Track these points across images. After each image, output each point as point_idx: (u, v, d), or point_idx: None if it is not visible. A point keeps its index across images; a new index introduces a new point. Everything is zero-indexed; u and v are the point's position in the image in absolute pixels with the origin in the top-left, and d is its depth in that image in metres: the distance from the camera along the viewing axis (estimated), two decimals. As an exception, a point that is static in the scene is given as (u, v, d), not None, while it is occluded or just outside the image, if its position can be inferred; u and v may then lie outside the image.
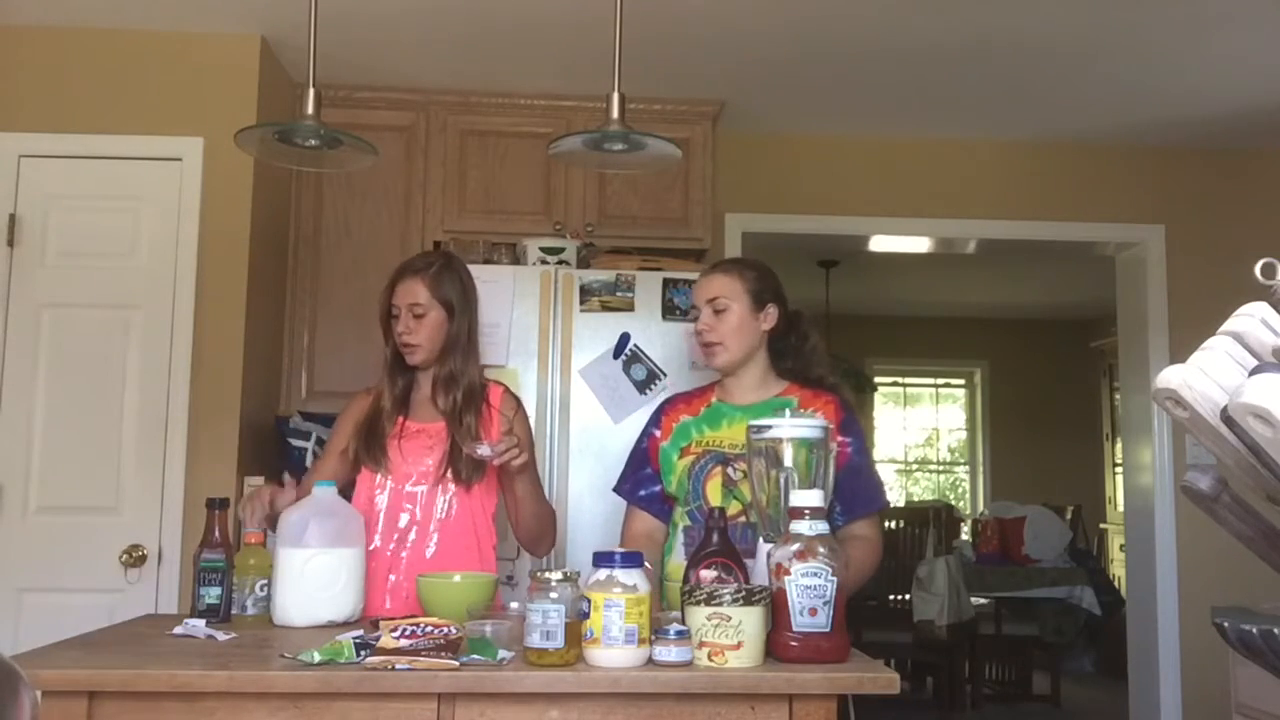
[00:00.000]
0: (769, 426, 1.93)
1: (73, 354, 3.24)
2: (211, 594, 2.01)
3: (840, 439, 2.15)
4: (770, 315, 2.25)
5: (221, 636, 1.81)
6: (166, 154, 3.33)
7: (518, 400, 2.45)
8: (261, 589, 1.97)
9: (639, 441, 2.36)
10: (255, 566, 1.99)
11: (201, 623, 1.89)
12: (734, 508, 2.14)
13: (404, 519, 2.29)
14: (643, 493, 2.30)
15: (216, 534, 2.05)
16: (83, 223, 3.29)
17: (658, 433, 2.31)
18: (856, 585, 2.13)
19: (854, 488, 2.15)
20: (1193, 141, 4.31)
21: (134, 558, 3.17)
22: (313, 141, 2.26)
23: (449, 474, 2.29)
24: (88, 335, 3.25)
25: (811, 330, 2.33)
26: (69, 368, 3.24)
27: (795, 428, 1.91)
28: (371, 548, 2.25)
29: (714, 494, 2.17)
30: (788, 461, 1.89)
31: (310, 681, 1.53)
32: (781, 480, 1.89)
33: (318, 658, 1.57)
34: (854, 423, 2.23)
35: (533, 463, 2.35)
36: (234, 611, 1.99)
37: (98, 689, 1.54)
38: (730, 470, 2.17)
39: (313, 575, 1.93)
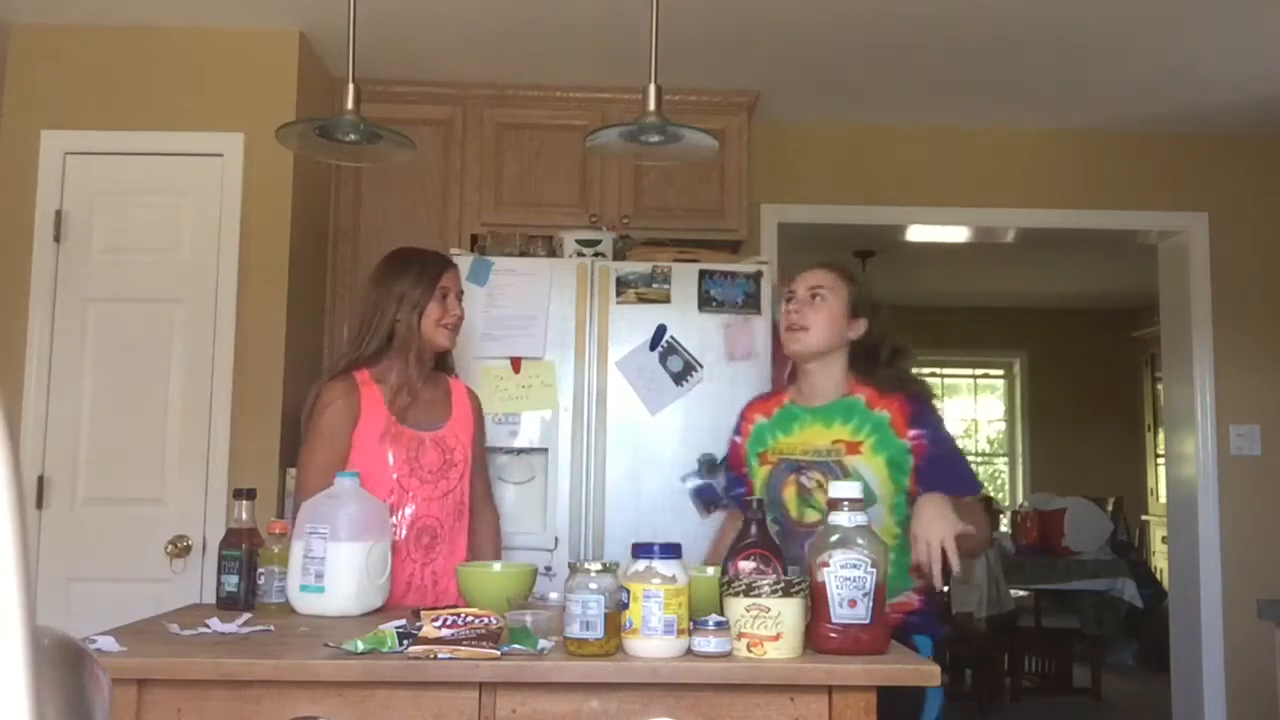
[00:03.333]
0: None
1: (118, 348, 3.30)
2: (231, 582, 2.05)
3: (912, 433, 2.16)
4: (859, 326, 2.27)
5: (244, 630, 1.80)
6: (208, 150, 3.38)
7: (478, 398, 2.57)
8: (283, 576, 2.01)
9: (728, 447, 2.47)
10: (280, 555, 2.02)
11: (216, 620, 1.85)
12: (811, 516, 2.15)
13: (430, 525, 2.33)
14: (733, 493, 2.42)
15: (242, 521, 2.11)
16: (127, 218, 3.34)
17: (738, 439, 2.40)
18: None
19: (937, 476, 2.12)
20: (1236, 127, 4.24)
21: (179, 548, 3.22)
22: (352, 136, 2.28)
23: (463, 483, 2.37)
24: (133, 329, 3.30)
25: (900, 357, 2.30)
26: (115, 361, 3.29)
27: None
28: (401, 556, 2.26)
29: (791, 503, 2.20)
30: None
31: (354, 670, 1.56)
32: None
33: (361, 647, 1.59)
34: (927, 414, 2.20)
35: (483, 465, 2.52)
36: (258, 599, 2.03)
37: (147, 677, 1.57)
38: (803, 479, 2.19)
39: (375, 564, 1.99)
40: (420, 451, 2.29)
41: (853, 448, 2.18)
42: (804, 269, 2.33)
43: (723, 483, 2.44)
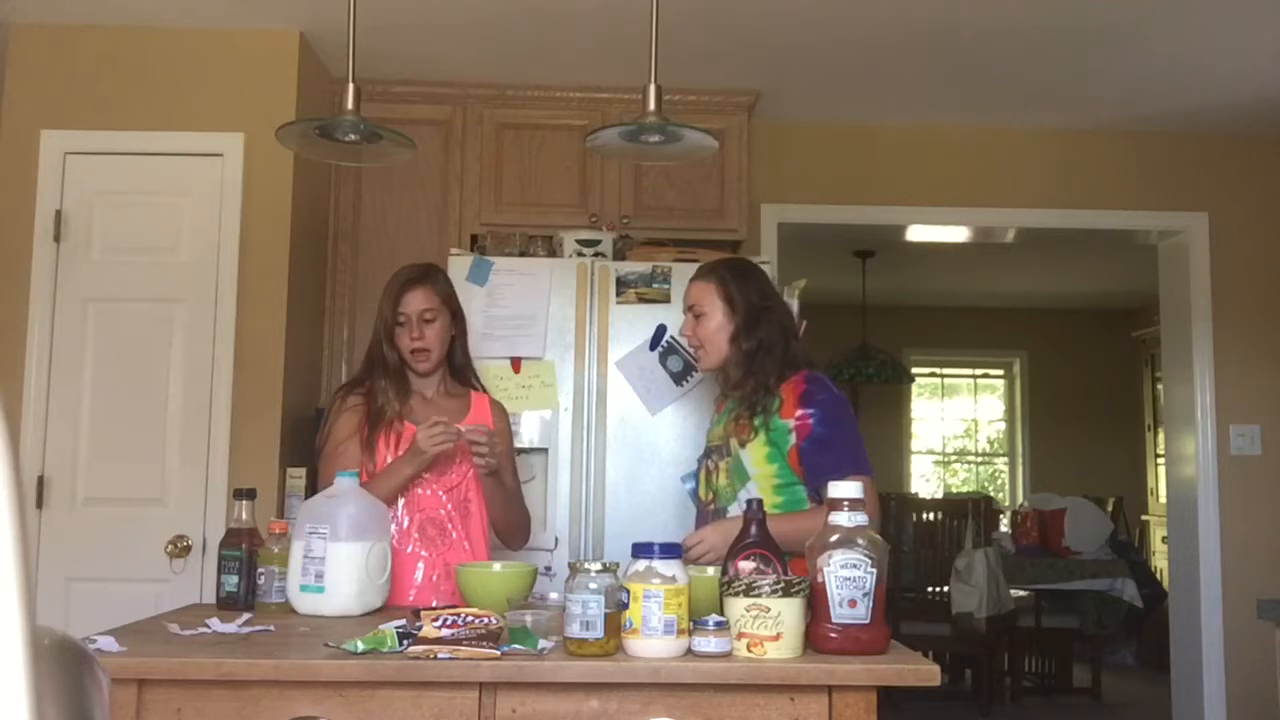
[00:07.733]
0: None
1: (118, 348, 3.29)
2: (231, 582, 2.05)
3: (799, 413, 2.20)
4: (734, 326, 2.32)
5: (244, 630, 1.80)
6: (208, 150, 3.38)
7: (504, 410, 2.55)
8: (283, 576, 2.01)
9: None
10: (280, 555, 2.02)
11: (216, 620, 1.86)
12: (708, 495, 2.35)
13: (436, 520, 2.34)
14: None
15: (242, 521, 2.11)
16: (127, 218, 3.34)
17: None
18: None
19: (817, 459, 2.17)
20: (1236, 127, 4.24)
21: (179, 548, 3.22)
22: (352, 136, 2.29)
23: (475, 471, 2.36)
24: (133, 329, 3.30)
25: (778, 334, 2.31)
26: (115, 361, 3.29)
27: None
28: (408, 550, 2.30)
29: (702, 484, 2.38)
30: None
31: (355, 670, 1.56)
32: None
33: (361, 647, 1.59)
34: (818, 392, 2.22)
35: (513, 469, 2.48)
36: (258, 599, 2.03)
37: (147, 677, 1.57)
38: (709, 463, 2.36)
39: (374, 564, 1.99)
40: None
41: (741, 429, 2.27)
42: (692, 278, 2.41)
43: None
